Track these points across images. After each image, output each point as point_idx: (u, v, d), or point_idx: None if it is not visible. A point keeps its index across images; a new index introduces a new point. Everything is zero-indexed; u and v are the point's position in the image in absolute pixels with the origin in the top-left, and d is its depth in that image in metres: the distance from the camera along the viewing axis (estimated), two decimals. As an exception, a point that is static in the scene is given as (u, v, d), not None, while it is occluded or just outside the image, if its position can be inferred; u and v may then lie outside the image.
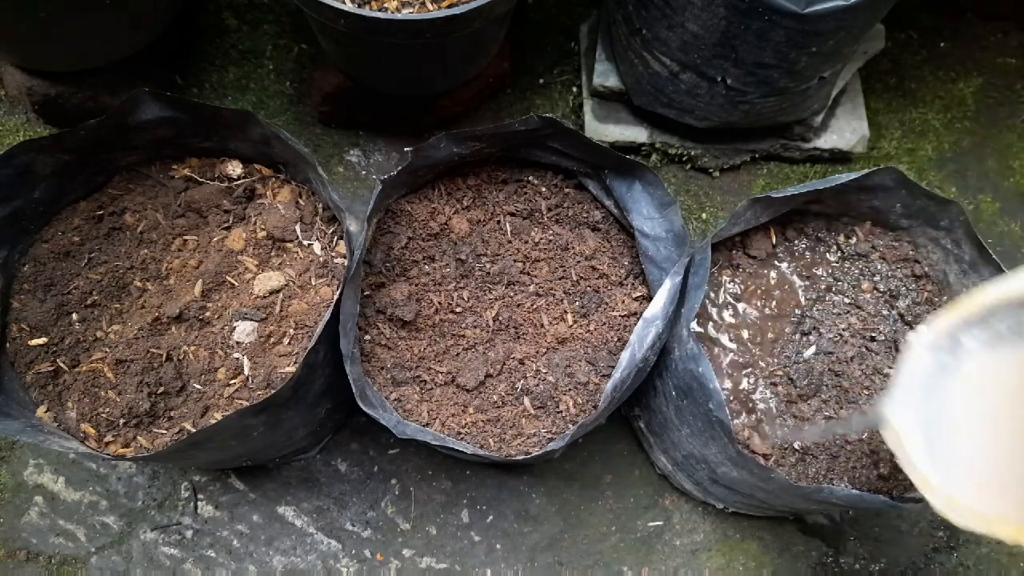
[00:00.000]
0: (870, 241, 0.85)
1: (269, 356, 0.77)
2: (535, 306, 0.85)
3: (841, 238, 0.86)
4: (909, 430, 0.52)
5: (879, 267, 0.84)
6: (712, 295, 0.83)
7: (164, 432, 0.75)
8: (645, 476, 0.97)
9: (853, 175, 0.76)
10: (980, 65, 1.22)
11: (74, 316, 0.79)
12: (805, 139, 1.10)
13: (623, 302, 0.85)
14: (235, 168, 0.84)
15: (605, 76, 1.09)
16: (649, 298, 0.86)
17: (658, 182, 0.80)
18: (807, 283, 0.84)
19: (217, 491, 0.94)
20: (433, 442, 0.74)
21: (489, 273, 0.86)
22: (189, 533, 0.93)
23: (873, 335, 0.82)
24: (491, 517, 0.95)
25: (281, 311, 0.78)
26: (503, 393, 0.81)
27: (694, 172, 1.14)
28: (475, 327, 0.84)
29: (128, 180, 0.84)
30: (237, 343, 0.77)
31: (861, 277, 0.84)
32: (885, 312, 0.83)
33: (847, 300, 0.83)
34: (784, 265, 0.85)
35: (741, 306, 0.83)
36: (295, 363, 0.76)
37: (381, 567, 0.93)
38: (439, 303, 0.84)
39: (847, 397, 0.79)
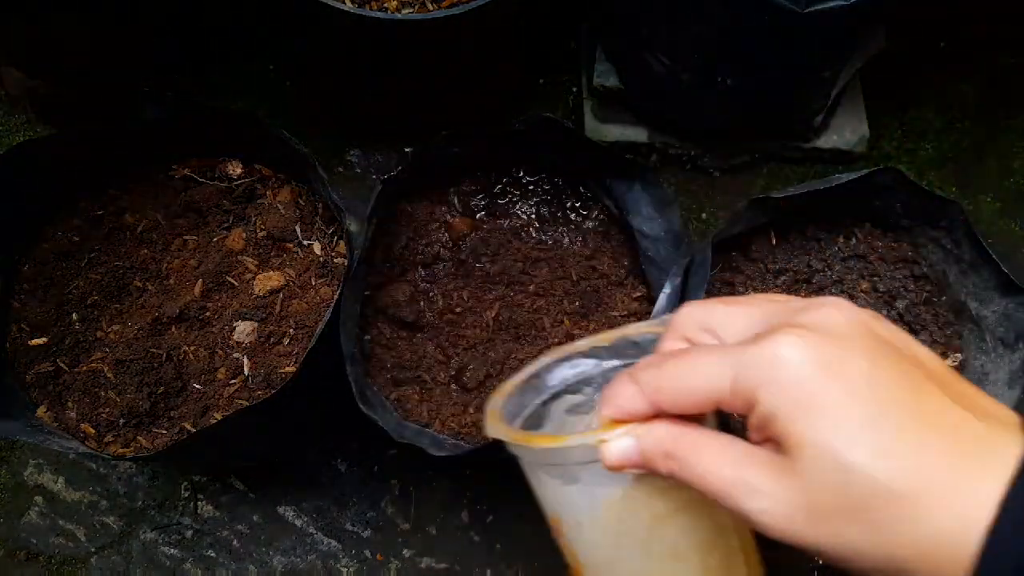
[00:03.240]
0: (869, 242, 0.85)
1: (269, 356, 0.77)
2: (535, 306, 0.85)
3: (841, 239, 0.86)
4: None
5: (878, 267, 0.84)
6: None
7: (164, 432, 0.75)
8: (645, 476, 0.97)
9: (853, 175, 0.76)
10: (980, 65, 1.21)
11: (74, 316, 0.79)
12: (805, 139, 1.10)
13: (623, 302, 0.85)
14: (235, 168, 0.84)
15: (605, 76, 1.09)
16: (649, 298, 0.86)
17: (658, 182, 0.81)
18: (806, 284, 0.84)
19: (217, 491, 0.94)
20: (433, 442, 0.74)
21: (489, 273, 0.86)
22: (189, 533, 0.93)
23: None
24: (491, 517, 0.95)
25: (281, 311, 0.78)
26: (503, 393, 0.81)
27: (694, 172, 1.14)
28: (475, 327, 0.84)
29: (128, 180, 0.84)
30: (237, 343, 0.77)
31: (860, 278, 0.84)
32: (884, 312, 0.83)
33: (847, 300, 0.83)
34: (783, 265, 0.85)
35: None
36: (295, 363, 0.76)
37: (381, 567, 0.93)
38: (439, 303, 0.84)
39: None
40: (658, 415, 0.33)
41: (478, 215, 0.88)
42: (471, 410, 0.81)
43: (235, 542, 0.93)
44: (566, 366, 0.47)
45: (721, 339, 0.34)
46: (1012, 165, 1.17)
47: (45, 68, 1.01)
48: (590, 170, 0.87)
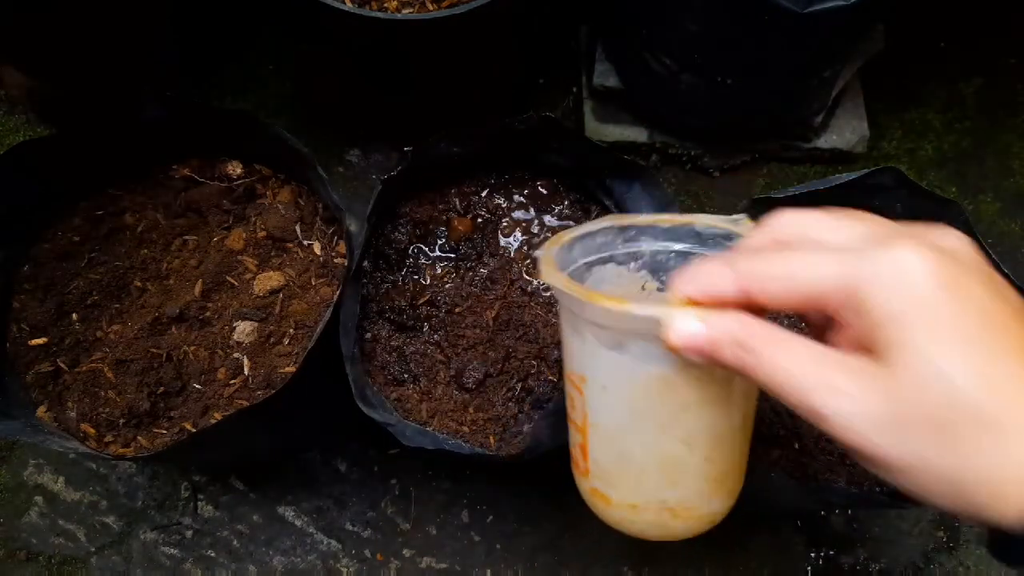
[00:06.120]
0: (870, 241, 0.85)
1: (269, 356, 0.77)
2: (535, 305, 0.85)
3: (841, 238, 0.86)
4: None
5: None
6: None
7: (164, 432, 0.75)
8: (645, 476, 0.97)
9: (853, 175, 0.76)
10: (980, 65, 1.21)
11: (74, 316, 0.79)
12: (805, 139, 1.10)
13: (623, 302, 0.85)
14: (235, 168, 0.84)
15: (605, 76, 1.09)
16: (649, 298, 0.86)
17: (657, 182, 0.80)
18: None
19: (217, 491, 0.94)
20: (432, 444, 0.74)
21: (489, 272, 0.86)
22: (189, 533, 0.93)
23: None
24: (491, 517, 0.95)
25: (281, 311, 0.78)
26: (503, 393, 0.81)
27: (694, 172, 1.14)
28: (475, 327, 0.84)
29: (128, 180, 0.84)
30: (237, 343, 0.77)
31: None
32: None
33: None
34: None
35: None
36: (295, 363, 0.76)
37: (381, 567, 0.93)
38: (439, 303, 0.84)
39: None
40: (738, 305, 0.32)
41: (478, 215, 0.88)
42: (471, 410, 0.81)
43: (235, 542, 0.93)
44: (622, 235, 0.46)
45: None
46: (1012, 165, 1.17)
47: (45, 68, 1.01)
48: (590, 170, 0.87)
